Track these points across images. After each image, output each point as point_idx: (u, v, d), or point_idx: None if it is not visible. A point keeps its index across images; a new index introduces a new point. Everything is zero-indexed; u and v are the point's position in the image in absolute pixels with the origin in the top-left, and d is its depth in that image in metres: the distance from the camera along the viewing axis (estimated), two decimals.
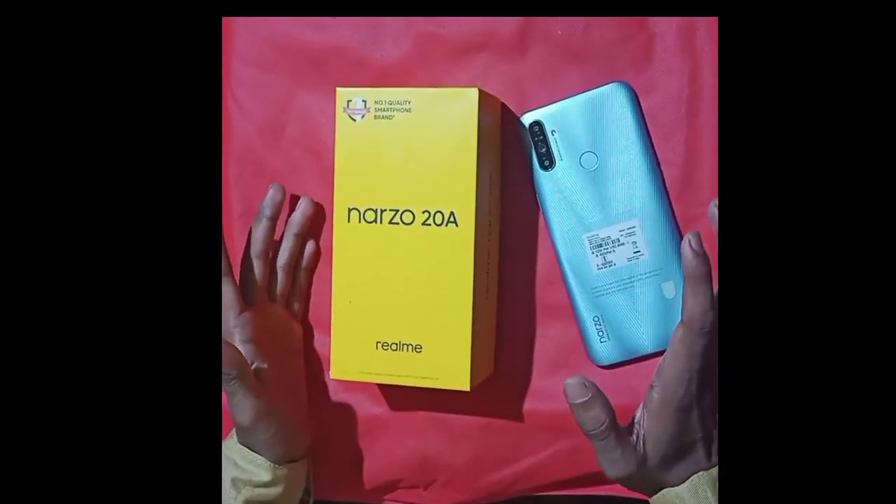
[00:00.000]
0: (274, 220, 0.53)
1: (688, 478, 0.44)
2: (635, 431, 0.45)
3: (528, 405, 0.54)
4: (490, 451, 0.55)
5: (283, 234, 0.55)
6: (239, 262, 0.54)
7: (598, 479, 0.54)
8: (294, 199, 0.55)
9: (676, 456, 0.44)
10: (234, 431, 0.51)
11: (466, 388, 0.48)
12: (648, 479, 0.45)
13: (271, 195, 0.53)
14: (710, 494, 0.44)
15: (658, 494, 0.45)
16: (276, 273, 0.55)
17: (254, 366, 0.50)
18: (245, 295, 0.53)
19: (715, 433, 0.45)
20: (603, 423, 0.43)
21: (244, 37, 0.56)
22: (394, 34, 0.54)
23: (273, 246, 0.55)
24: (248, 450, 0.50)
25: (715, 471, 0.44)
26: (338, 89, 0.49)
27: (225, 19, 0.56)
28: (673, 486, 0.45)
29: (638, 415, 0.46)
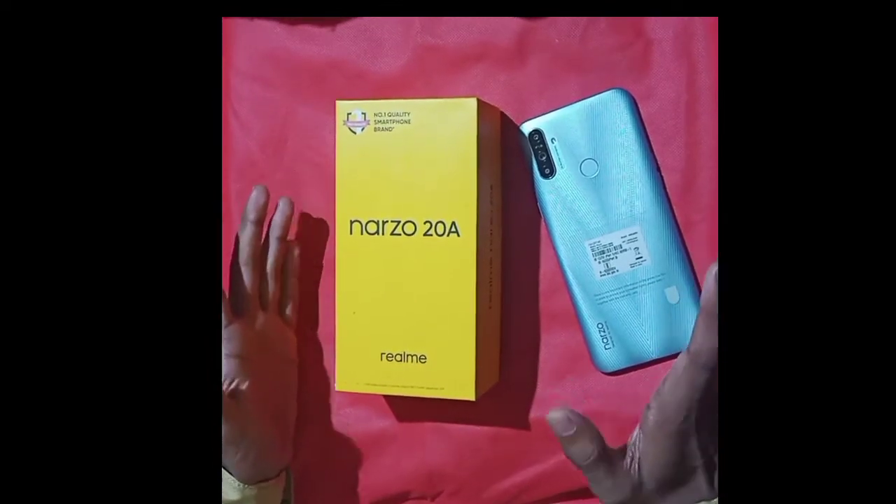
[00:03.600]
0: (259, 224, 0.52)
1: None
2: (630, 454, 0.43)
3: (535, 414, 0.54)
4: (497, 461, 0.54)
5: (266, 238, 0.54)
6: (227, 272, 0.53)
7: None
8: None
9: (674, 482, 0.42)
10: None
11: (472, 397, 0.48)
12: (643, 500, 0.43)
13: (254, 198, 0.52)
14: None
15: None
16: (266, 280, 0.53)
17: (234, 385, 0.49)
18: (234, 305, 0.52)
19: (717, 461, 0.42)
20: (590, 457, 0.42)
21: (243, 52, 0.56)
22: (392, 46, 0.54)
23: (263, 252, 0.54)
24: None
25: (716, 501, 0.42)
26: (337, 102, 0.50)
27: (224, 35, 0.57)
28: None
29: (634, 436, 0.44)
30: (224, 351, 0.49)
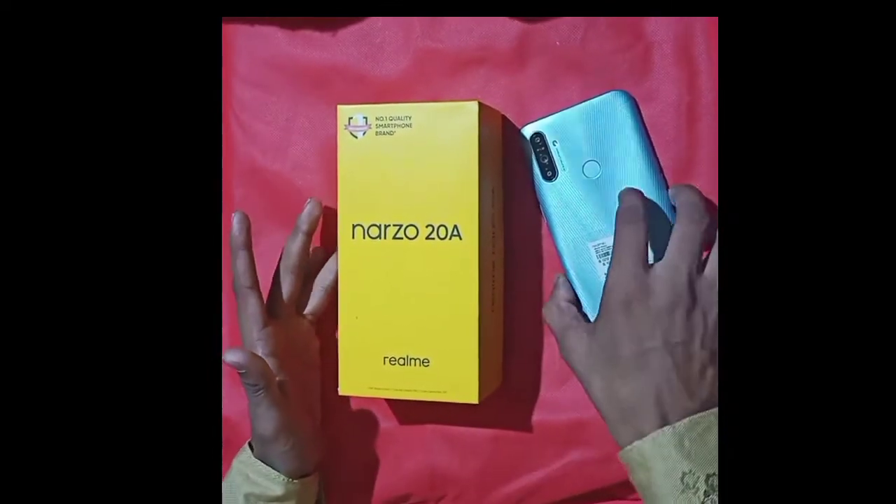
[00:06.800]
0: (310, 235, 0.53)
1: (652, 430, 0.42)
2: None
3: (538, 417, 0.53)
4: (500, 465, 0.54)
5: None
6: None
7: (611, 492, 0.53)
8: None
9: (628, 359, 0.44)
10: (246, 446, 0.51)
11: (475, 401, 0.48)
12: (607, 384, 0.44)
13: (308, 210, 0.53)
14: (674, 453, 0.41)
15: (623, 451, 0.44)
16: (308, 287, 0.55)
17: (277, 379, 0.51)
18: (271, 308, 0.53)
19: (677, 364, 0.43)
20: (566, 317, 0.48)
21: (244, 58, 0.57)
22: (393, 50, 0.54)
23: (308, 260, 0.55)
24: (261, 464, 0.50)
25: (681, 426, 0.42)
26: (339, 107, 0.50)
27: (225, 40, 0.57)
28: (638, 435, 0.42)
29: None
30: (262, 350, 0.51)
